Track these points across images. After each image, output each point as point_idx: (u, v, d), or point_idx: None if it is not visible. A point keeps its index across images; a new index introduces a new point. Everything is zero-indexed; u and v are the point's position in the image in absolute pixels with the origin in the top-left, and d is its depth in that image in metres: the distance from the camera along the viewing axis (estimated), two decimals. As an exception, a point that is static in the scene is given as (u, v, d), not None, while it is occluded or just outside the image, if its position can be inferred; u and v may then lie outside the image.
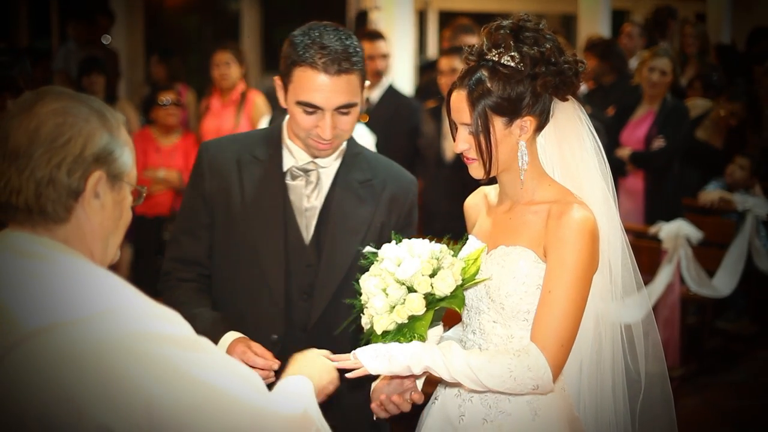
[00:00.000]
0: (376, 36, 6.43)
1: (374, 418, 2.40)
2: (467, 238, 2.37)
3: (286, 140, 2.56)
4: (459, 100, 2.30)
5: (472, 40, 5.22)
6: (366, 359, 2.20)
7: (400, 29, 8.55)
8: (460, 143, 2.33)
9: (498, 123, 2.28)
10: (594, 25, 8.94)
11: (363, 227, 2.53)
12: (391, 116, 6.17)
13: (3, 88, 3.11)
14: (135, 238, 6.30)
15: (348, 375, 2.22)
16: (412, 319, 2.25)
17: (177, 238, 2.60)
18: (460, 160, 2.42)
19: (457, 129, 2.35)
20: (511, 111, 2.27)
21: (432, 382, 2.45)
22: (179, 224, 2.61)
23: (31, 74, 3.26)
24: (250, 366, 2.30)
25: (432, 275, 2.25)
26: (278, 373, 2.36)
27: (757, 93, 7.00)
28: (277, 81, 2.50)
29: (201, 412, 1.50)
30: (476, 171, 2.35)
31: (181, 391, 1.49)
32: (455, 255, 2.31)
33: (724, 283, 5.98)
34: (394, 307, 2.24)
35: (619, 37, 8.18)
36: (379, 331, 2.26)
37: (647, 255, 5.64)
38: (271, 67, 10.94)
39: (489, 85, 2.26)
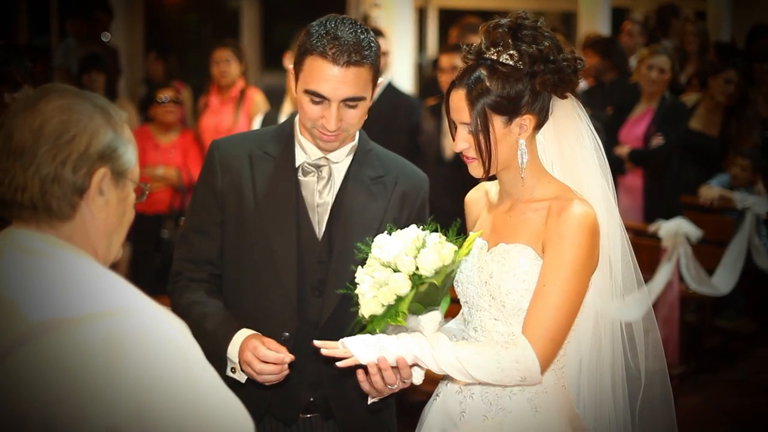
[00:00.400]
0: (376, 33, 6.42)
1: (368, 402, 2.41)
2: (465, 237, 2.37)
3: (298, 136, 2.55)
4: (458, 99, 2.30)
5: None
6: (356, 349, 2.22)
7: (399, 27, 8.54)
8: (460, 142, 2.33)
9: (497, 122, 2.28)
10: (594, 22, 8.94)
11: (375, 223, 2.52)
12: (389, 114, 6.16)
13: (0, 82, 3.12)
14: (134, 236, 6.29)
15: (338, 364, 2.23)
16: (399, 300, 2.24)
17: (188, 238, 2.57)
18: (460, 158, 2.42)
19: (456, 128, 2.35)
20: (510, 110, 2.27)
21: (433, 380, 2.46)
22: (190, 222, 2.58)
23: (31, 70, 3.26)
24: (262, 360, 2.31)
25: (417, 256, 2.24)
26: (291, 367, 2.37)
27: (749, 73, 6.96)
28: (290, 69, 2.50)
29: (184, 420, 1.49)
30: (476, 170, 2.35)
31: (173, 395, 1.48)
32: (449, 240, 2.30)
33: (723, 281, 5.99)
34: (380, 288, 2.24)
35: (619, 35, 8.18)
36: (366, 315, 2.26)
37: (646, 253, 5.64)
38: (271, 65, 10.92)
39: (488, 83, 2.26)
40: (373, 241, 2.32)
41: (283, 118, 5.14)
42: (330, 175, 2.54)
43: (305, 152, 2.54)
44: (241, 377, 2.40)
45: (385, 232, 2.34)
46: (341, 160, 2.55)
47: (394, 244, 2.27)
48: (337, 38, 2.36)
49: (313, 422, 2.56)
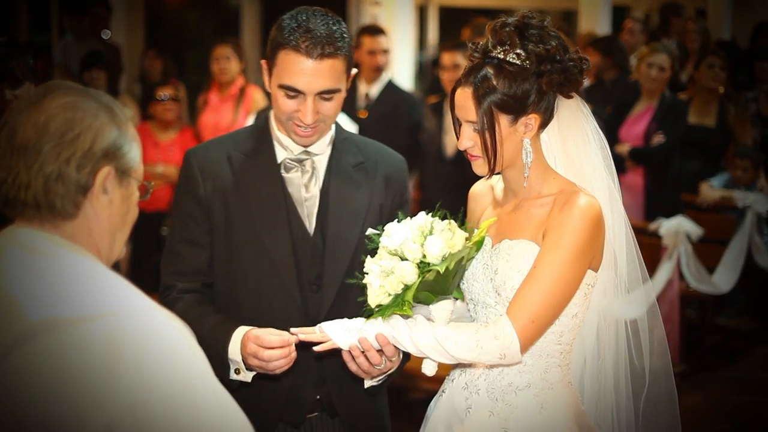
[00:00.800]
0: (377, 31, 6.43)
1: (365, 386, 2.42)
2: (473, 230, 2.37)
3: (276, 132, 2.52)
4: (464, 97, 2.30)
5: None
6: (334, 333, 2.24)
7: (400, 24, 8.54)
8: (465, 140, 2.33)
9: (503, 120, 2.28)
10: (595, 21, 8.93)
11: (363, 210, 2.51)
12: (390, 111, 6.18)
13: (1, 79, 3.11)
14: (133, 234, 6.27)
15: (315, 348, 2.25)
16: (407, 289, 2.24)
17: (175, 251, 2.50)
18: (461, 155, 2.42)
19: (460, 126, 2.35)
20: (516, 109, 2.27)
21: (436, 379, 2.46)
22: (176, 235, 2.51)
23: (32, 67, 3.25)
24: (266, 347, 2.28)
25: (423, 243, 2.24)
26: (299, 349, 2.35)
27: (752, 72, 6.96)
28: (263, 65, 2.47)
29: (180, 421, 1.48)
30: (480, 168, 2.35)
31: (170, 396, 1.47)
32: (461, 227, 2.30)
33: (724, 279, 5.99)
34: (387, 277, 2.24)
35: (620, 33, 8.17)
36: (372, 304, 2.26)
37: (647, 251, 5.57)
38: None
39: (495, 82, 2.25)
40: (383, 229, 2.32)
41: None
42: (314, 168, 2.52)
43: (284, 148, 2.51)
44: (247, 376, 2.37)
45: (396, 220, 2.33)
46: (323, 152, 2.53)
47: (401, 231, 2.27)
48: (309, 31, 2.34)
49: (320, 421, 2.54)
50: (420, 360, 2.33)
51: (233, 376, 2.36)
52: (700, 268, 5.85)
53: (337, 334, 2.25)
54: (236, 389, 2.34)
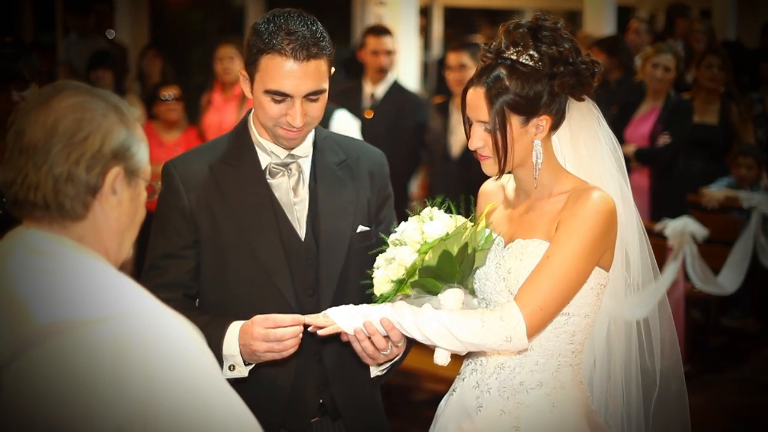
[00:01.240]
0: (383, 31, 6.41)
1: (372, 375, 2.43)
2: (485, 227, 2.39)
3: (257, 138, 2.48)
4: (477, 97, 2.30)
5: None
6: (338, 317, 2.25)
7: (404, 25, 8.52)
8: (475, 140, 2.33)
9: (515, 121, 2.28)
10: (600, 21, 8.93)
11: (352, 208, 2.50)
12: (396, 112, 6.17)
13: (9, 80, 3.09)
14: (139, 235, 6.26)
15: (319, 332, 2.25)
16: (410, 273, 2.27)
17: (157, 265, 2.47)
18: (466, 156, 2.43)
19: (471, 126, 2.35)
20: (528, 110, 2.27)
21: (442, 379, 2.46)
22: (158, 250, 2.47)
23: (38, 67, 3.24)
24: (278, 326, 2.26)
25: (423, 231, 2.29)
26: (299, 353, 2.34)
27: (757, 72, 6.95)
28: (242, 72, 2.43)
29: (189, 422, 1.47)
30: (490, 168, 2.36)
31: (178, 398, 1.47)
32: (472, 221, 2.33)
33: (729, 280, 5.98)
34: (389, 264, 2.28)
35: (625, 33, 8.16)
36: (377, 293, 2.29)
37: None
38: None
39: (507, 83, 2.26)
40: (379, 230, 2.37)
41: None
42: (300, 171, 2.49)
43: (268, 153, 2.48)
44: (243, 371, 2.33)
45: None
46: (307, 153, 2.50)
47: (406, 224, 2.33)
48: (291, 33, 2.31)
49: (323, 425, 2.52)
50: (426, 358, 2.33)
51: (227, 373, 2.32)
52: (706, 268, 5.84)
53: (342, 318, 2.25)
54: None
